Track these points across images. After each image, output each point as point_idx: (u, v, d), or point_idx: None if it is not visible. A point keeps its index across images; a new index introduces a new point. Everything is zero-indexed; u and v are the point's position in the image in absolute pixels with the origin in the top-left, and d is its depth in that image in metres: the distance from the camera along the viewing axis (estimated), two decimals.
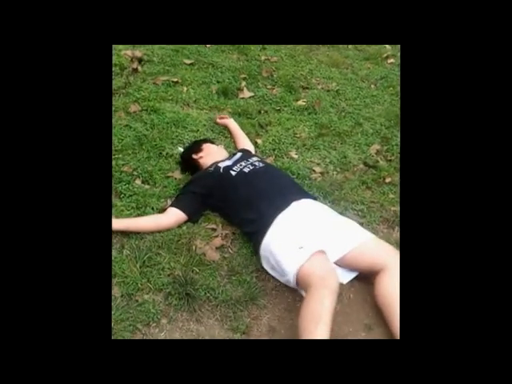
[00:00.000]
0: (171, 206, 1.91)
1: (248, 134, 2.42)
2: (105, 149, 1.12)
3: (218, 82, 2.81)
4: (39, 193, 1.04)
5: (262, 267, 1.73)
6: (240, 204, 1.84)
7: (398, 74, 3.05)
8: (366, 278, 1.73)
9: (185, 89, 2.73)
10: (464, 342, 1.02)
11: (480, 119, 1.09)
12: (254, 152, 2.27)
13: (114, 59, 2.69)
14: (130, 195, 1.98)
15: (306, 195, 1.90)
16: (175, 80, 2.74)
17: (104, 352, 1.02)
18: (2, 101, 1.03)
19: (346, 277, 1.76)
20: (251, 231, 1.78)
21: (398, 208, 2.10)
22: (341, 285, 1.76)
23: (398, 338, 1.52)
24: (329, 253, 1.63)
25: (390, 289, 1.60)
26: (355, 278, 1.77)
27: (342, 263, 1.72)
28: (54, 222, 1.03)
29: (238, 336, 1.56)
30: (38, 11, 1.08)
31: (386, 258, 1.66)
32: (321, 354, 1.17)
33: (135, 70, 2.73)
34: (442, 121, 1.12)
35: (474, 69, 1.11)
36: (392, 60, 3.20)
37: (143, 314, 1.58)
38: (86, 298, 1.04)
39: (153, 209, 1.94)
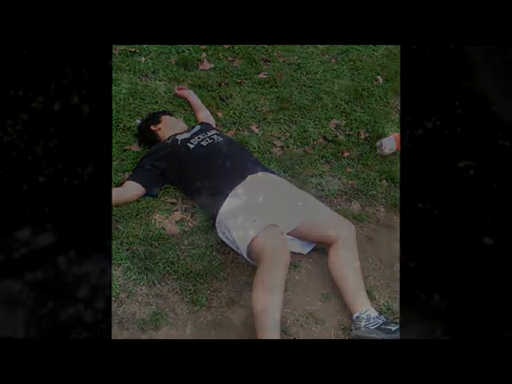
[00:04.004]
0: (129, 179, 1.88)
1: (208, 107, 2.38)
2: (104, 142, 1.11)
3: (177, 52, 2.73)
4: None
5: (221, 240, 1.74)
6: (197, 177, 1.82)
7: (359, 48, 3.08)
8: (323, 249, 1.78)
9: (143, 59, 2.64)
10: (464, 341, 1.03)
11: (480, 121, 1.09)
12: (214, 125, 2.25)
13: None
14: None
15: (263, 169, 1.90)
16: (132, 50, 2.64)
17: (104, 352, 1.00)
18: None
19: (306, 248, 1.81)
20: (207, 205, 1.78)
21: (355, 182, 2.15)
22: (300, 256, 1.80)
23: (352, 308, 1.59)
24: (282, 225, 1.66)
25: (341, 262, 1.66)
26: (313, 250, 1.81)
27: (297, 235, 1.75)
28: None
29: (197, 308, 1.57)
30: (38, 10, 1.05)
31: (339, 230, 1.71)
32: (321, 353, 1.16)
33: None
34: (442, 119, 1.11)
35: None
36: None
37: None
38: (85, 295, 1.02)
39: None
